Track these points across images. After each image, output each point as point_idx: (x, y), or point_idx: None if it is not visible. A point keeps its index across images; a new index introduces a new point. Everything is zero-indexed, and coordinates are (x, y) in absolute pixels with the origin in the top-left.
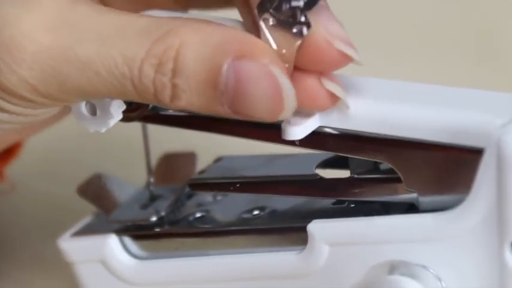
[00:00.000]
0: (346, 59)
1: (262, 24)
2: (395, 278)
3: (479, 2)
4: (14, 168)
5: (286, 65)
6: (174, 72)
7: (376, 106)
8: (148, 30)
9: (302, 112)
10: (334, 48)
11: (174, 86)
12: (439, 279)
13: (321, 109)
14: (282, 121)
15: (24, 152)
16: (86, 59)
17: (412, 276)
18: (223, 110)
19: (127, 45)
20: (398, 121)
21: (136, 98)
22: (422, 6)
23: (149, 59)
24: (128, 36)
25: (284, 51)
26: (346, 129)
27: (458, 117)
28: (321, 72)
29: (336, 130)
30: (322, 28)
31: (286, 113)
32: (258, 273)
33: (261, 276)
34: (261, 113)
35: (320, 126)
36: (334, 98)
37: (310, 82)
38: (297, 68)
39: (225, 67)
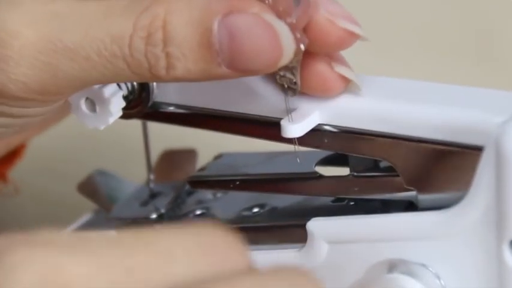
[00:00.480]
0: (352, 36)
1: None
2: (395, 276)
3: (479, 2)
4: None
5: (294, 80)
6: (165, 42)
7: (375, 104)
8: (131, 6)
9: (301, 110)
10: (338, 26)
11: (167, 56)
12: (438, 278)
13: (334, 93)
14: (281, 118)
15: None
16: (73, 45)
17: (411, 274)
18: (222, 72)
19: (113, 24)
20: (398, 119)
21: (131, 77)
22: (422, 6)
23: (137, 33)
24: (112, 16)
25: (290, 65)
26: (346, 127)
27: (457, 115)
28: (330, 55)
29: (336, 128)
30: (323, 9)
31: (285, 59)
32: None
33: None
34: (260, 63)
35: (319, 124)
36: (345, 81)
37: (320, 67)
38: (307, 54)
39: (215, 26)
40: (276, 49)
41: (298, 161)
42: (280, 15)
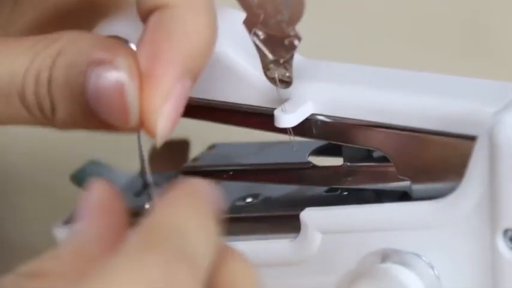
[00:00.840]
0: None
1: (254, 38)
2: (388, 266)
3: None
4: (7, 156)
5: (287, 74)
6: (49, 82)
7: (369, 94)
8: (36, 44)
9: (295, 100)
10: None
11: (50, 96)
12: (432, 267)
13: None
14: (275, 108)
15: (17, 140)
16: None
17: (405, 264)
18: (95, 120)
19: (14, 60)
20: (391, 109)
21: (29, 119)
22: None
23: (30, 71)
24: (19, 51)
25: (282, 61)
26: (339, 117)
27: (450, 105)
28: None
29: (329, 118)
30: None
31: (131, 121)
32: (251, 260)
33: (254, 264)
34: (114, 119)
35: (313, 114)
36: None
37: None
38: None
39: (88, 74)
40: (123, 111)
41: (295, 149)
42: (269, 14)
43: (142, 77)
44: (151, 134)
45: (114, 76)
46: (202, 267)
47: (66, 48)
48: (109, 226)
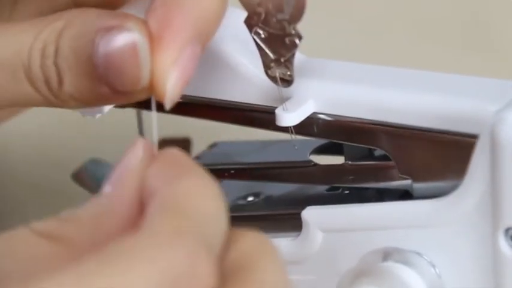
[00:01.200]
0: None
1: (255, 37)
2: (389, 264)
3: None
4: (11, 154)
5: (288, 73)
6: (56, 54)
7: (370, 92)
8: (37, 22)
9: (296, 98)
10: None
11: (56, 68)
12: (433, 266)
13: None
14: (276, 107)
15: (21, 137)
16: None
17: (406, 263)
18: (105, 91)
19: (19, 37)
20: (393, 107)
21: (33, 95)
22: None
23: (36, 45)
24: (23, 28)
25: (283, 59)
26: (340, 116)
27: (452, 104)
28: None
29: (330, 116)
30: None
31: (143, 82)
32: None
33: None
34: (124, 82)
35: (314, 113)
36: None
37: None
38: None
39: (96, 41)
40: (134, 67)
41: (296, 148)
42: (270, 13)
43: (152, 40)
44: (161, 96)
45: (126, 37)
46: (218, 255)
47: (72, 21)
48: (134, 200)
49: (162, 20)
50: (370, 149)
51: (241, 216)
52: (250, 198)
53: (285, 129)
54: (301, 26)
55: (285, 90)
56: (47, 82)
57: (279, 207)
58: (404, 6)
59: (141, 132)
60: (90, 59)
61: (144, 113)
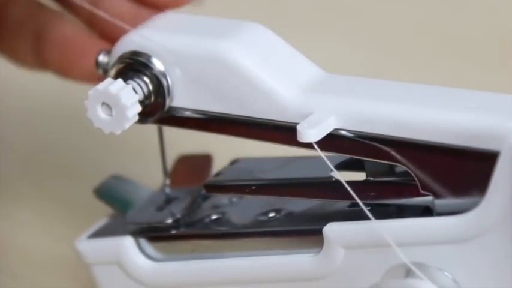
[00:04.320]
0: None
1: None
2: (412, 281)
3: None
4: (32, 166)
5: None
6: None
7: (391, 108)
8: None
9: (318, 114)
10: None
11: None
12: (456, 282)
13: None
14: (297, 123)
15: (41, 150)
16: None
17: (429, 279)
18: None
19: None
20: (413, 124)
21: None
22: (431, 9)
23: None
24: None
25: None
26: (362, 132)
27: (473, 120)
28: None
29: (352, 133)
30: None
31: None
32: (274, 275)
33: (277, 279)
34: None
35: (336, 129)
36: None
37: None
38: None
39: None
40: None
41: (328, 163)
42: None
43: None
44: None
45: None
46: None
47: None
48: None
49: None
50: (391, 165)
51: (262, 232)
52: (271, 215)
53: (306, 146)
54: (321, 42)
55: (307, 106)
56: None
57: (300, 223)
58: (425, 22)
59: (162, 148)
60: None
61: (165, 128)
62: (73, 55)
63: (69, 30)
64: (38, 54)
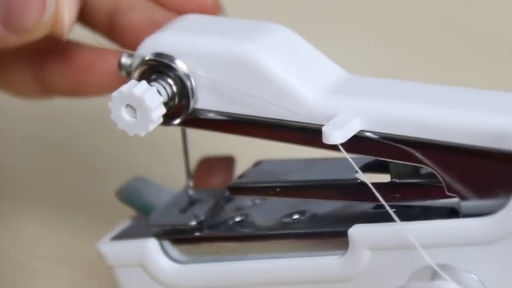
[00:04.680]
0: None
1: None
2: (438, 283)
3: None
4: (55, 167)
5: None
6: None
7: (416, 110)
8: None
9: (343, 116)
10: None
11: None
12: (483, 284)
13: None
14: (322, 125)
15: (64, 151)
16: None
17: (455, 281)
18: (2, 34)
19: None
20: (439, 125)
21: None
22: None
23: None
24: None
25: None
26: (387, 134)
27: (498, 121)
28: None
29: (377, 134)
30: None
31: (48, 13)
32: (299, 277)
33: (302, 281)
34: (28, 19)
35: (361, 131)
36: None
37: None
38: None
39: None
40: (39, 3)
41: (354, 164)
42: None
43: None
44: (60, 28)
45: None
46: None
47: None
48: None
49: None
50: (416, 167)
51: (286, 234)
52: (295, 216)
53: (331, 147)
54: (348, 43)
55: (332, 108)
56: None
57: (324, 225)
58: (448, 22)
59: (185, 149)
60: None
61: (189, 130)
62: (80, 69)
63: (71, 46)
64: (40, 80)
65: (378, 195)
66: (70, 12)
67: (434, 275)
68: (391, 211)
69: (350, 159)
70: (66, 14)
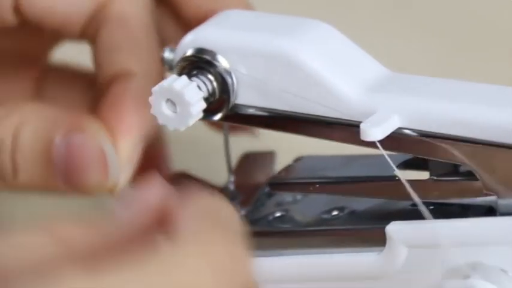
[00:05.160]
0: None
1: None
2: (474, 281)
3: None
4: None
5: None
6: (14, 148)
7: (454, 108)
8: None
9: (381, 113)
10: None
11: (13, 161)
12: None
13: None
14: (361, 122)
15: None
16: None
17: (491, 279)
18: (60, 186)
19: None
20: (477, 123)
21: None
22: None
23: None
24: None
25: None
26: (425, 131)
27: None
28: None
29: (415, 132)
30: None
31: (112, 177)
32: (337, 273)
33: (340, 277)
34: (91, 180)
35: (399, 128)
36: None
37: None
38: None
39: (57, 140)
40: (102, 168)
41: (390, 162)
42: None
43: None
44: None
45: (91, 140)
46: None
47: (28, 116)
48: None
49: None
50: (455, 164)
51: (325, 231)
52: (334, 213)
53: (369, 144)
54: (383, 41)
55: (370, 105)
56: (1, 173)
57: (363, 222)
58: (496, 20)
59: (226, 145)
60: (48, 155)
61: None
62: None
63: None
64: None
65: (411, 191)
66: (126, 178)
67: (470, 273)
68: (424, 208)
69: (386, 156)
70: (122, 180)
